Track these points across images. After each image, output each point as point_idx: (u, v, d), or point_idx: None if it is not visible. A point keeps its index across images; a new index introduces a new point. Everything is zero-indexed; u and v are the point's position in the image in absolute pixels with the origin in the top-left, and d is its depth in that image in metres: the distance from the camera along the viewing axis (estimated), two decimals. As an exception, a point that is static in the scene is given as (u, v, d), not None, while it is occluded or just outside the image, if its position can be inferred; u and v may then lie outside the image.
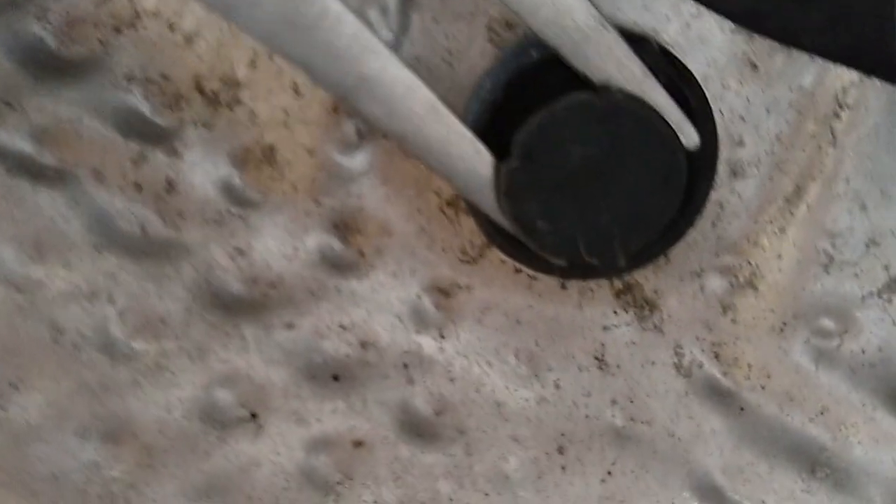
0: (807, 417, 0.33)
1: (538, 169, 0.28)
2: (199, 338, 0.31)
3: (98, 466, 0.31)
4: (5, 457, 0.31)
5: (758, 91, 0.32)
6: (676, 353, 0.33)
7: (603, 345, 0.33)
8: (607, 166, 0.28)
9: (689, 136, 0.29)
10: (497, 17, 0.31)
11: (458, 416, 0.33)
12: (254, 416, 0.32)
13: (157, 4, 0.31)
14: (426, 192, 0.32)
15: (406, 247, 0.32)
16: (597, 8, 0.27)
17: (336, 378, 0.32)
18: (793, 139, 0.32)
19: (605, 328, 0.33)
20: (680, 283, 0.33)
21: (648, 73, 0.28)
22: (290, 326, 0.32)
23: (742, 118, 0.32)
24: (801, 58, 0.32)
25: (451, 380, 0.33)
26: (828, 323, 0.33)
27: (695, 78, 0.30)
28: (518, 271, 0.32)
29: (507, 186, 0.28)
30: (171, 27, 0.31)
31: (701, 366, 0.33)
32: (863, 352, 0.33)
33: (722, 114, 0.32)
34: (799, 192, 0.32)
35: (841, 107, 0.32)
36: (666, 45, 0.29)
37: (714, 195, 0.32)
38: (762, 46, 0.32)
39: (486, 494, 0.33)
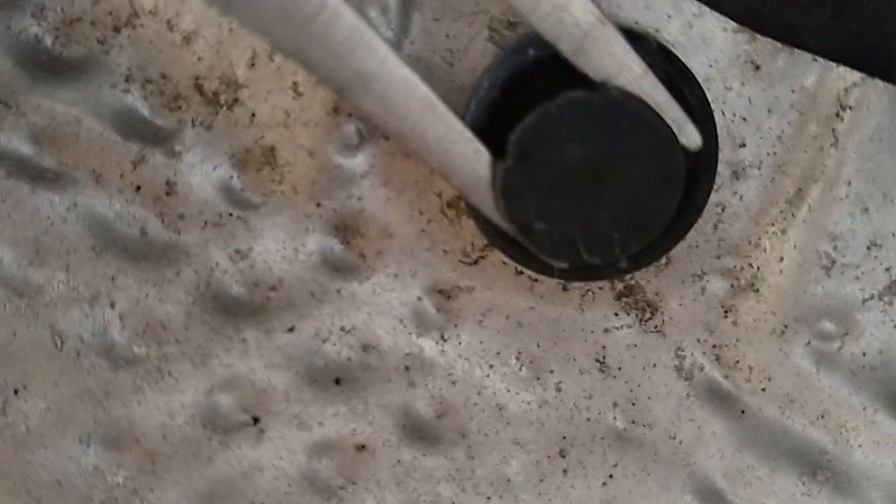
0: (808, 420, 0.33)
1: (535, 168, 0.28)
2: (201, 342, 0.31)
3: (101, 472, 0.31)
4: (7, 463, 0.31)
5: (759, 91, 0.32)
6: (678, 356, 0.33)
7: (604, 347, 0.33)
8: (606, 166, 0.28)
9: (690, 136, 0.29)
10: (498, 16, 0.31)
11: (460, 419, 0.33)
12: (256, 420, 0.32)
13: (156, 3, 0.31)
14: (427, 194, 0.32)
15: (407, 249, 0.32)
16: (597, 5, 0.27)
17: (337, 381, 0.32)
18: (794, 140, 0.32)
19: (607, 330, 0.33)
20: (681, 285, 0.33)
21: (648, 72, 0.28)
22: (291, 330, 0.32)
23: (743, 119, 0.32)
24: (804, 58, 0.32)
25: (453, 382, 0.33)
26: (829, 325, 0.33)
27: (695, 77, 0.29)
28: (519, 273, 0.32)
29: (503, 186, 0.28)
30: (170, 26, 0.31)
31: (702, 368, 0.33)
32: (864, 354, 0.33)
33: (723, 114, 0.32)
34: (800, 193, 0.32)
35: (843, 108, 0.32)
36: (666, 45, 0.29)
37: (715, 197, 0.32)
38: (764, 46, 0.32)
39: (488, 498, 0.33)
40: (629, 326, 0.33)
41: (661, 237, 0.30)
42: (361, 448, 0.32)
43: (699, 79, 0.29)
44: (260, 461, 0.32)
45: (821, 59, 0.32)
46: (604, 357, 0.33)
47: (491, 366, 0.33)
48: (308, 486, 0.32)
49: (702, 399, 0.33)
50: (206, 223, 0.31)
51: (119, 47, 0.31)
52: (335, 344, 0.32)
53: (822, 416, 0.33)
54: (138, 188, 0.31)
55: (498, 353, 0.33)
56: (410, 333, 0.32)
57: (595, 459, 0.33)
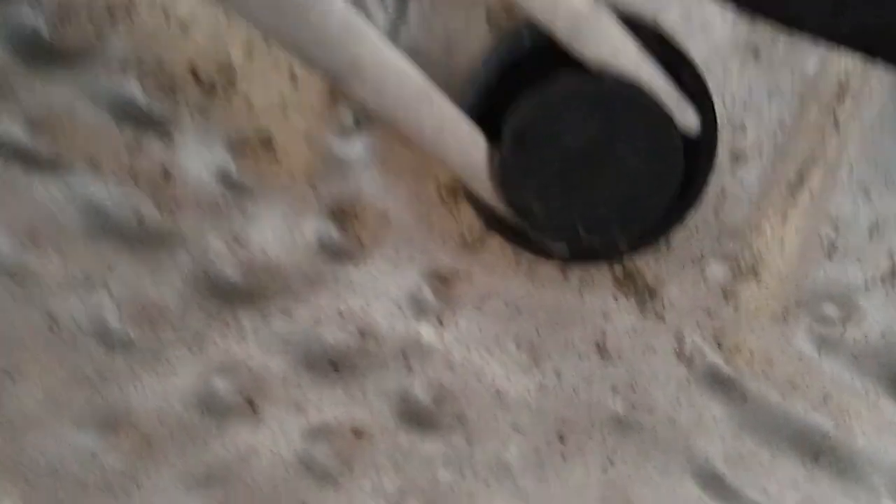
0: (809, 405, 0.33)
1: (531, 152, 0.28)
2: (197, 326, 0.31)
3: (96, 456, 0.31)
4: (2, 447, 0.31)
5: (760, 77, 0.32)
6: (677, 341, 0.33)
7: (604, 332, 0.33)
8: (603, 149, 0.28)
9: (689, 119, 0.29)
10: (495, 3, 0.31)
11: (458, 404, 0.32)
12: (252, 405, 0.32)
13: (152, -10, 0.31)
14: (424, 179, 0.32)
15: (404, 234, 0.32)
16: (595, -8, 0.27)
17: (335, 366, 0.32)
18: (795, 125, 0.32)
19: (606, 316, 0.33)
20: (681, 270, 0.33)
21: (644, 56, 0.28)
22: (287, 315, 0.32)
23: (744, 104, 0.32)
24: (804, 43, 0.32)
25: (451, 368, 0.32)
26: (830, 310, 0.33)
27: (692, 61, 0.29)
28: (518, 259, 0.32)
29: (499, 170, 0.28)
30: (166, 14, 0.31)
31: (702, 353, 0.33)
32: (866, 339, 0.33)
33: (724, 100, 0.32)
34: (801, 178, 0.32)
35: (844, 92, 0.32)
36: (665, 30, 0.29)
37: (716, 181, 0.32)
38: (764, 32, 0.32)
39: (487, 483, 0.33)
40: (629, 312, 0.33)
41: (661, 219, 0.29)
42: (359, 433, 0.32)
43: (699, 65, 0.29)
44: (257, 446, 0.32)
45: (822, 45, 0.32)
46: (603, 342, 0.33)
47: (489, 351, 0.32)
48: (305, 470, 0.32)
49: (702, 384, 0.33)
50: (202, 208, 0.31)
51: (115, 35, 0.31)
52: (332, 329, 0.32)
53: (824, 401, 0.33)
54: (134, 174, 0.31)
55: (496, 339, 0.32)
56: (408, 319, 0.32)
57: (594, 444, 0.33)
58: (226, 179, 0.31)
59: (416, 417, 0.32)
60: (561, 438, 0.33)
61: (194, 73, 0.31)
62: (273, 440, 0.32)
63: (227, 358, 0.31)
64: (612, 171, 0.28)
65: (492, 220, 0.30)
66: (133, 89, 0.31)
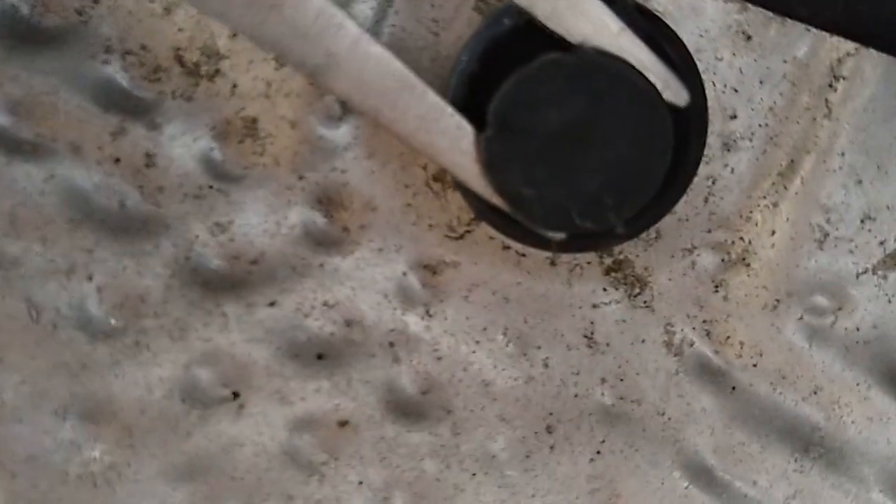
0: (800, 396, 0.33)
1: (517, 136, 0.27)
2: (180, 315, 0.31)
3: (77, 447, 0.31)
4: (-20, 437, 0.31)
5: (751, 62, 0.31)
6: (667, 331, 0.33)
7: (592, 323, 0.32)
8: (590, 128, 0.27)
9: (677, 92, 0.28)
10: (484, -15, 0.31)
11: (445, 395, 0.32)
12: (236, 395, 0.31)
13: (136, -27, 0.30)
14: (412, 167, 0.31)
15: (391, 223, 0.32)
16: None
17: (320, 357, 0.32)
18: (787, 111, 0.32)
19: (595, 306, 0.32)
20: (671, 259, 0.32)
21: (626, 30, 0.27)
22: (272, 304, 0.31)
23: (735, 90, 0.31)
24: (796, 28, 0.31)
25: (438, 358, 0.32)
26: (822, 300, 0.33)
27: (676, 34, 0.29)
28: (506, 248, 0.32)
29: (486, 157, 0.27)
30: (150, -4, 0.30)
31: (692, 344, 0.33)
32: (857, 329, 0.33)
33: (714, 85, 0.31)
34: (793, 165, 0.32)
35: (836, 78, 0.32)
36: (646, 5, 0.29)
37: (706, 169, 0.32)
38: (756, 16, 0.31)
39: (473, 474, 0.33)
40: (618, 302, 0.32)
41: (655, 200, 0.29)
42: (344, 424, 0.32)
43: (690, 49, 0.29)
44: (240, 436, 0.31)
45: (813, 29, 0.31)
46: (592, 333, 0.32)
47: (477, 342, 0.32)
48: (289, 461, 0.32)
49: (691, 375, 0.33)
50: (185, 196, 0.31)
51: (98, 17, 0.30)
52: (318, 319, 0.32)
53: (815, 392, 0.33)
54: (117, 160, 0.30)
55: (484, 329, 0.32)
56: (395, 309, 0.32)
57: (582, 436, 0.33)
58: (210, 166, 0.31)
59: (403, 408, 0.32)
60: (548, 429, 0.33)
61: (179, 59, 0.31)
62: (257, 431, 0.31)
63: (209, 347, 0.31)
64: (601, 150, 0.28)
65: (483, 211, 0.29)
66: (116, 74, 0.31)
